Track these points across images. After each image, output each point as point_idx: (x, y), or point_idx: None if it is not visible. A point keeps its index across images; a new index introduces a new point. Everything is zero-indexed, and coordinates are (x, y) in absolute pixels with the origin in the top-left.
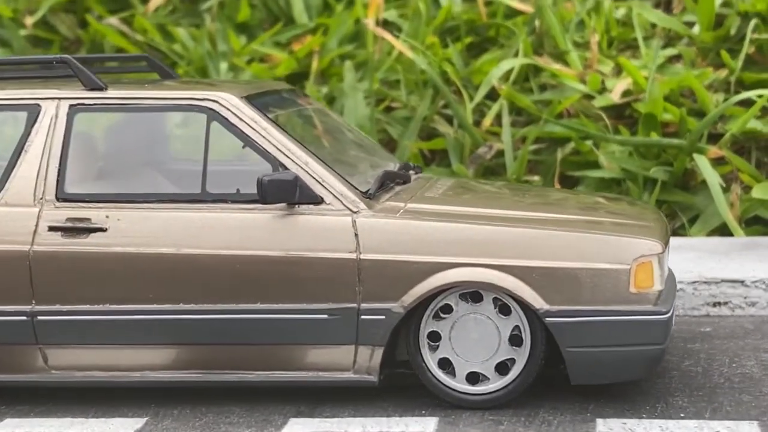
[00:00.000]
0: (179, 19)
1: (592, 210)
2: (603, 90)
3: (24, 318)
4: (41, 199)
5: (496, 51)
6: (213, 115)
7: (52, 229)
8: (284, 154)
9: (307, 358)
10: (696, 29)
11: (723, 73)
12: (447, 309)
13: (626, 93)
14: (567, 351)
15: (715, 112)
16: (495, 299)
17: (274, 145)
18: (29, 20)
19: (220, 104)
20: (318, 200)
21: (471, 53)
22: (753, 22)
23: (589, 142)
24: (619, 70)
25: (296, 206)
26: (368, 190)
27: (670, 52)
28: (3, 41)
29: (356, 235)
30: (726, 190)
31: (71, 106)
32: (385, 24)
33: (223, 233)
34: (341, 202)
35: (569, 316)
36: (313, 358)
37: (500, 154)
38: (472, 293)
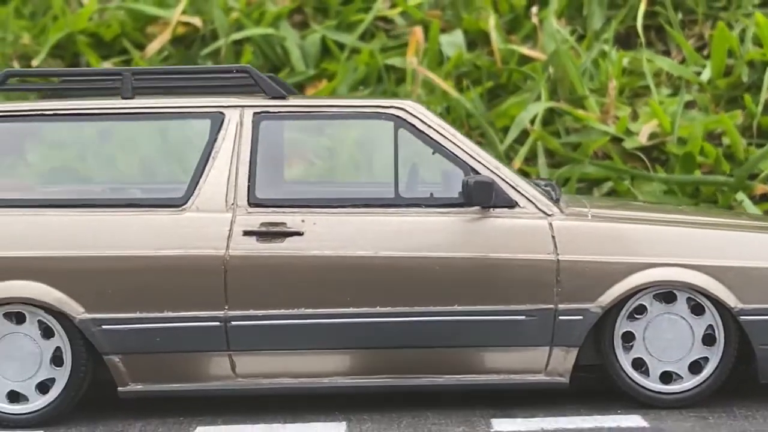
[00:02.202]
0: (176, 65)
1: (756, 217)
2: (628, 133)
3: (217, 324)
4: (233, 204)
5: (521, 94)
6: (400, 123)
7: (246, 233)
8: (475, 159)
9: (498, 361)
10: (704, 76)
11: (740, 119)
12: (640, 309)
13: (651, 136)
14: (760, 348)
15: (764, 150)
16: (688, 299)
17: (464, 151)
18: (34, 62)
19: (408, 112)
20: (512, 204)
21: (483, 98)
22: None
23: (626, 182)
24: (635, 116)
25: (490, 209)
26: (553, 195)
27: (687, 97)
28: None
29: (553, 237)
30: None
31: (255, 113)
32: (388, 70)
33: (420, 236)
34: (535, 205)
35: (763, 314)
36: (504, 360)
37: None
38: (665, 293)
